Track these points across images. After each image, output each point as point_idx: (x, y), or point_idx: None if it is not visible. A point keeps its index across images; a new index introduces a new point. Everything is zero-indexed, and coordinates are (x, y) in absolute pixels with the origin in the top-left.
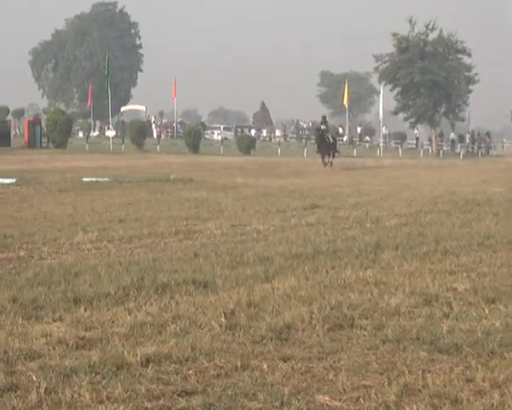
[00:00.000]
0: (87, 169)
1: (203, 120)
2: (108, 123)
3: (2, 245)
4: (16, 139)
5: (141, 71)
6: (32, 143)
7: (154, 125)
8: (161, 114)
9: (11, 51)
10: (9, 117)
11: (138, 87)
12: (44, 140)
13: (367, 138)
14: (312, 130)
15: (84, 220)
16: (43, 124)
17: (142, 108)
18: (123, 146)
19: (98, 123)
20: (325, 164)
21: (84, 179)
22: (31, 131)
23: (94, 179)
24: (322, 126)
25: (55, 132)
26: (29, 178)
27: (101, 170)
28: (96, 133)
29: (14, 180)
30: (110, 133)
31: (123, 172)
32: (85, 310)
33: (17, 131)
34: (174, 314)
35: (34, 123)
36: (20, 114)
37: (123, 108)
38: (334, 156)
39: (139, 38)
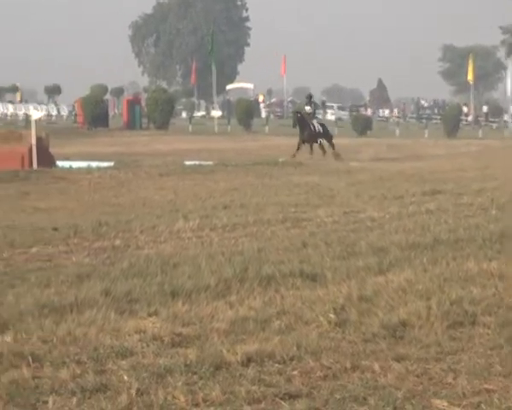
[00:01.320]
0: (190, 152)
1: (323, 98)
2: (213, 102)
3: (97, 233)
4: (115, 120)
5: (248, 46)
6: (132, 124)
7: (262, 105)
8: (270, 92)
9: (110, 25)
10: (108, 96)
11: (245, 63)
12: (144, 121)
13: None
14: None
15: (185, 207)
16: (144, 103)
17: (250, 85)
18: (229, 127)
19: (202, 102)
20: (294, 156)
21: (187, 163)
22: (130, 112)
23: (197, 163)
24: (307, 108)
25: (156, 112)
26: (128, 161)
27: (204, 153)
28: (201, 113)
29: (111, 164)
30: (215, 113)
31: (228, 155)
32: (183, 304)
33: (116, 111)
34: (279, 309)
35: (134, 102)
36: (119, 92)
37: (229, 87)
38: (323, 146)
39: (246, 10)
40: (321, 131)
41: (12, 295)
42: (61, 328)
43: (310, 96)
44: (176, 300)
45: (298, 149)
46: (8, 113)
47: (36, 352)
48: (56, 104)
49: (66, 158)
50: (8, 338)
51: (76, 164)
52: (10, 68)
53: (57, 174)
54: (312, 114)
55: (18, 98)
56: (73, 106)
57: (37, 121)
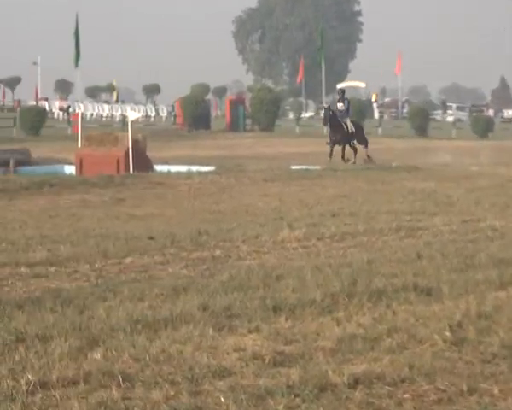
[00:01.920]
0: (296, 155)
1: (444, 97)
2: (322, 102)
3: (197, 243)
4: (217, 121)
5: (360, 42)
6: (235, 126)
7: (374, 105)
8: (383, 91)
9: (213, 21)
10: (209, 96)
11: (357, 60)
12: (248, 122)
13: None
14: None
15: (290, 214)
16: (248, 103)
17: (362, 84)
18: None
19: (311, 102)
20: (330, 156)
21: (293, 167)
22: (233, 112)
23: (304, 167)
24: (339, 105)
25: (261, 113)
26: (230, 165)
27: (312, 156)
28: (309, 114)
29: (212, 168)
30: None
31: (336, 159)
32: (286, 320)
33: (218, 112)
34: (390, 326)
35: (237, 102)
36: (221, 92)
37: (339, 85)
38: (354, 149)
39: (358, 3)
40: (353, 131)
41: (103, 309)
42: (155, 345)
43: (342, 92)
44: (278, 315)
45: (331, 154)
46: (104, 114)
47: (127, 371)
48: (155, 105)
49: (165, 162)
50: (98, 356)
51: (175, 168)
52: (108, 67)
53: (154, 179)
54: (345, 112)
55: (114, 98)
56: (173, 106)
57: (134, 123)
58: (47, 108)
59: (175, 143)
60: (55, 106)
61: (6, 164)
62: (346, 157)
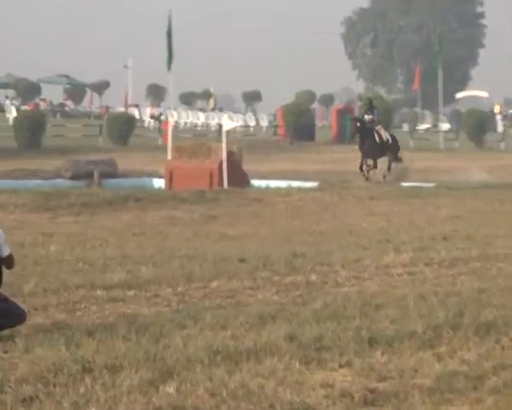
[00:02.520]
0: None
1: None
2: (439, 113)
3: (291, 266)
4: (323, 132)
5: (483, 47)
6: (342, 138)
7: (498, 117)
8: (508, 102)
9: (321, 22)
10: (315, 105)
11: (479, 67)
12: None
13: None
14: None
15: (398, 236)
16: (356, 113)
17: (484, 94)
18: (457, 143)
19: (427, 113)
20: (366, 174)
21: (404, 184)
22: (340, 123)
23: (416, 184)
24: (366, 116)
25: None
26: (334, 181)
27: (425, 173)
28: (426, 126)
29: (315, 184)
30: (442, 126)
31: (452, 176)
32: (382, 354)
33: (325, 122)
34: (497, 363)
35: (345, 112)
36: (328, 100)
37: (459, 95)
38: (390, 164)
39: (481, 4)
40: (389, 141)
41: (181, 338)
42: (234, 379)
43: (370, 101)
44: (374, 349)
45: (362, 167)
46: (199, 122)
47: (200, 406)
48: (255, 113)
49: (263, 176)
50: (171, 389)
51: (274, 184)
52: (205, 70)
53: (251, 195)
54: (375, 122)
55: (211, 106)
56: (274, 115)
57: (231, 133)
58: (137, 116)
59: (275, 156)
60: (146, 113)
61: (90, 176)
62: (372, 170)
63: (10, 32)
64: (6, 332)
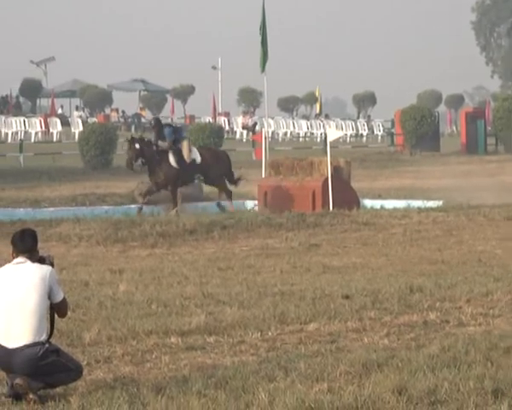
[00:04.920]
0: None
1: None
2: None
3: (406, 303)
4: (451, 141)
5: None
6: (472, 146)
7: None
8: None
9: (448, 9)
10: (441, 107)
11: None
12: (491, 141)
13: None
14: None
15: None
16: (491, 116)
17: None
18: None
19: None
20: None
21: None
22: (470, 128)
23: None
24: None
25: (509, 130)
26: (462, 199)
27: None
28: None
29: (439, 203)
30: None
31: None
32: (509, 408)
33: (454, 128)
34: None
35: (475, 116)
36: (457, 102)
37: None
38: None
39: None
40: None
41: (266, 393)
42: None
43: None
44: (500, 401)
45: None
46: (301, 132)
47: None
48: (368, 119)
49: (377, 195)
50: None
51: (389, 204)
52: (307, 71)
53: (360, 218)
54: None
55: (317, 111)
56: (392, 122)
57: (337, 144)
58: (226, 126)
59: (391, 171)
60: (238, 123)
61: (168, 201)
62: None
63: (77, 33)
64: (59, 390)
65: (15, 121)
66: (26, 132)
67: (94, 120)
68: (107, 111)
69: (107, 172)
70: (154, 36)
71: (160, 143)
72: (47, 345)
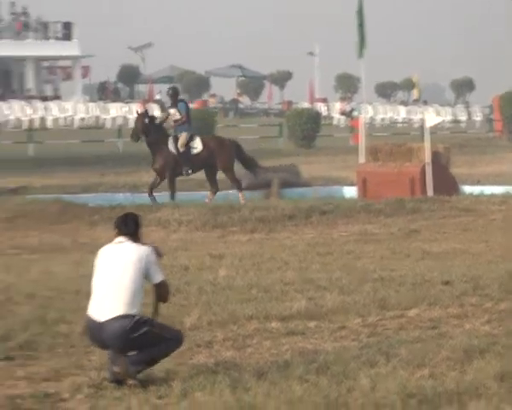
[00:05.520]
0: None
1: None
2: None
3: (508, 289)
4: None
5: None
6: None
7: None
8: None
9: None
10: None
11: None
12: None
13: None
14: None
15: None
16: None
17: None
18: None
19: None
20: None
21: None
22: None
23: None
24: None
25: None
26: None
27: None
28: None
29: None
30: None
31: None
32: None
33: None
34: None
35: None
36: None
37: None
38: None
39: None
40: None
41: (368, 379)
42: None
43: None
44: None
45: None
46: (399, 118)
47: None
48: (467, 105)
49: (476, 181)
50: None
51: (489, 189)
52: (405, 56)
53: (460, 204)
54: None
55: (414, 97)
56: (490, 107)
57: (436, 130)
58: (324, 112)
59: (491, 156)
60: (335, 109)
61: (268, 186)
62: None
63: (174, 19)
64: (161, 374)
65: (114, 107)
66: (124, 118)
67: (191, 105)
68: (205, 97)
69: None
70: (250, 22)
71: (172, 111)
72: (137, 317)
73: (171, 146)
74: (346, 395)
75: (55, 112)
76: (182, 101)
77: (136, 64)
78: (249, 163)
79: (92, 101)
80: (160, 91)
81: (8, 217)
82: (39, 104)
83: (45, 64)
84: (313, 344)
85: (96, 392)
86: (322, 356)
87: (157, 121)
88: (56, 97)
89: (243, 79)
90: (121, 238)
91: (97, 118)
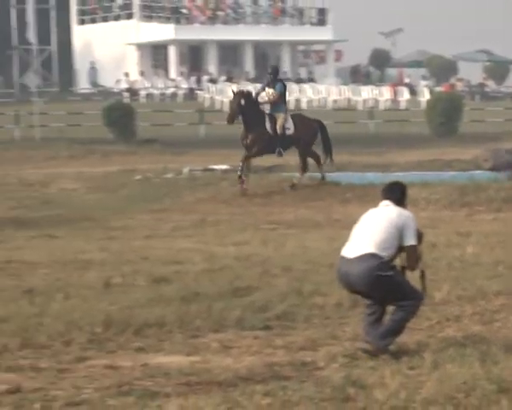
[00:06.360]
0: None
1: None
2: None
3: None
4: None
5: None
6: None
7: None
8: None
9: None
10: None
11: None
12: None
13: None
14: None
15: None
16: None
17: None
18: None
19: None
20: None
21: None
22: None
23: None
24: None
25: None
26: None
27: None
28: None
29: None
30: None
31: None
32: None
33: None
34: None
35: None
36: None
37: None
38: None
39: None
40: None
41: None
42: None
43: None
44: None
45: None
46: None
47: None
48: None
49: None
50: None
51: None
52: None
53: None
54: None
55: None
56: None
57: None
58: None
59: None
60: None
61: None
62: None
63: (423, 5)
64: (413, 346)
65: (365, 90)
66: (375, 100)
67: (439, 89)
68: (452, 81)
69: (452, 138)
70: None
71: (267, 89)
72: (386, 259)
73: (267, 125)
74: None
75: (309, 94)
76: (280, 81)
77: (386, 49)
78: (328, 145)
79: (344, 84)
80: (410, 75)
81: (265, 193)
82: (294, 86)
83: (300, 48)
84: None
85: (351, 362)
86: None
87: (253, 96)
88: (311, 80)
89: (489, 63)
90: (387, 202)
91: (349, 100)
